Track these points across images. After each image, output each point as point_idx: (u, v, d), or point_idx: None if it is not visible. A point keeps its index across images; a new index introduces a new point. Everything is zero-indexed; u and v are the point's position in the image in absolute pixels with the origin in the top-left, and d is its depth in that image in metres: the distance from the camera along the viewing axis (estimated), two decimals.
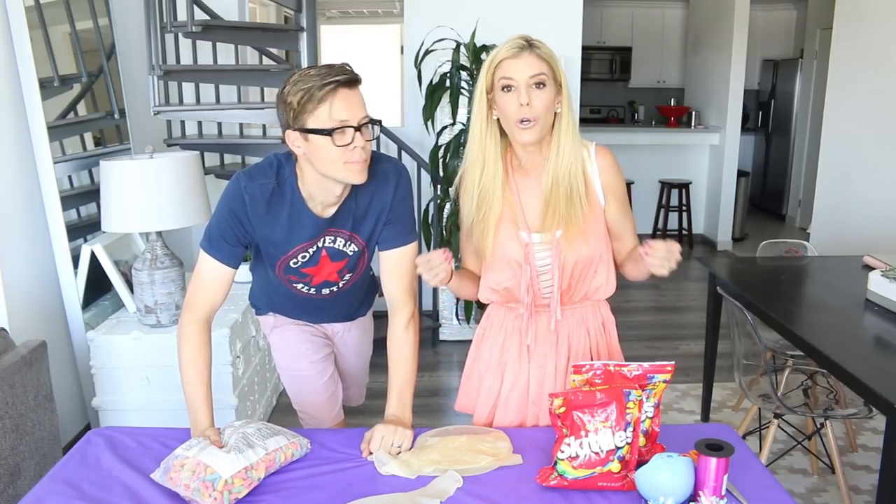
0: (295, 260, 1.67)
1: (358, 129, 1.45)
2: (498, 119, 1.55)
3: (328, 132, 1.43)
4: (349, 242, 1.68)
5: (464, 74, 3.79)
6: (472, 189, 1.59)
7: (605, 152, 1.62)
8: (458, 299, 4.02)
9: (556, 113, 1.53)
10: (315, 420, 1.96)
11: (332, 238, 1.65)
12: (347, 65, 1.48)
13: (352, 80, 1.45)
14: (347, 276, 1.76)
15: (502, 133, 1.57)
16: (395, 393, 1.65)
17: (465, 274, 1.71)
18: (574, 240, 1.56)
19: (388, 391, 1.66)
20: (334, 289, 1.78)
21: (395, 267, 1.69)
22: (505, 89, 1.49)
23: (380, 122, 1.53)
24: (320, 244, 1.66)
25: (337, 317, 1.96)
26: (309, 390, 1.93)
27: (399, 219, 1.68)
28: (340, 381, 2.04)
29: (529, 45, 1.50)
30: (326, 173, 1.50)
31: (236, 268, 1.64)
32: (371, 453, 1.50)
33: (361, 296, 1.95)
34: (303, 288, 1.75)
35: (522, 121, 1.49)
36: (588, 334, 1.69)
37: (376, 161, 1.64)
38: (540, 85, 1.48)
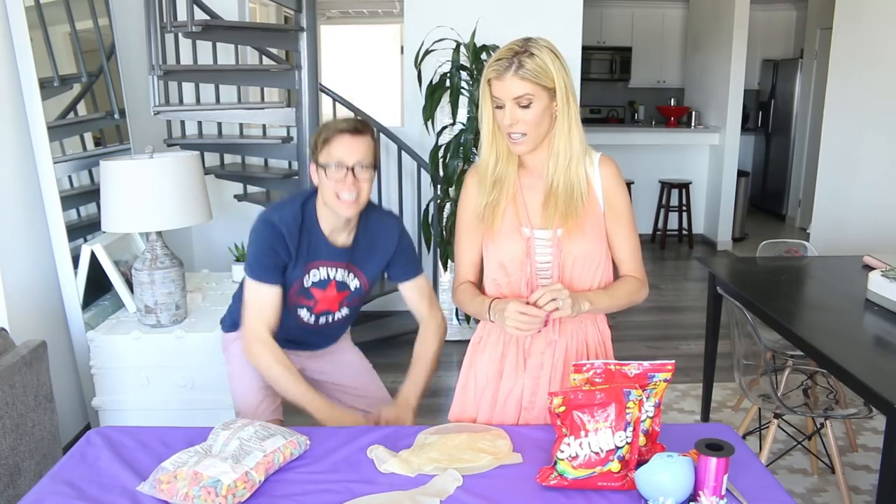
0: (307, 278, 1.85)
1: (351, 168, 1.72)
2: None
3: (325, 167, 1.74)
4: (353, 276, 1.92)
5: (464, 74, 3.79)
6: (486, 177, 1.61)
7: (609, 162, 1.62)
8: None
9: (554, 116, 1.53)
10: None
11: (346, 272, 1.90)
12: (361, 120, 1.80)
13: (355, 130, 1.74)
14: (345, 311, 1.98)
15: None
16: (412, 379, 1.93)
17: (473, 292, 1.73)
18: (573, 232, 1.57)
19: (407, 377, 1.93)
20: (330, 319, 1.96)
21: (415, 293, 1.99)
22: (497, 107, 1.53)
23: (375, 167, 1.79)
24: (332, 273, 1.88)
25: (306, 348, 2.06)
26: (249, 407, 2.00)
27: (407, 253, 1.97)
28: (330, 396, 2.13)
29: (517, 62, 1.46)
30: (327, 202, 1.78)
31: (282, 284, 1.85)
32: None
33: (335, 337, 2.12)
34: (304, 314, 1.92)
35: (510, 136, 1.54)
36: (587, 348, 1.69)
37: (378, 209, 1.96)
38: (525, 105, 1.49)
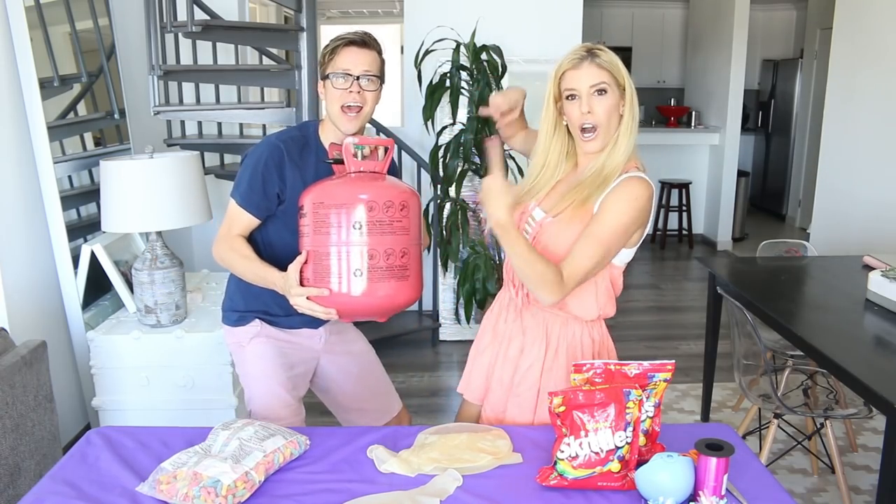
0: None
1: (357, 78, 1.72)
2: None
3: (331, 78, 1.73)
4: None
5: (464, 74, 3.79)
6: (527, 179, 1.72)
7: (627, 183, 1.57)
8: (457, 299, 4.02)
9: (620, 115, 1.59)
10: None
11: None
12: (369, 34, 1.77)
13: (362, 42, 1.74)
14: None
15: (570, 135, 1.67)
16: None
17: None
18: (557, 224, 1.59)
19: None
20: None
21: None
22: (569, 98, 1.59)
23: (380, 78, 1.78)
24: None
25: None
26: (271, 412, 1.88)
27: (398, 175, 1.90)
28: (338, 407, 2.09)
29: (590, 54, 1.56)
30: (331, 116, 1.77)
31: (262, 220, 1.80)
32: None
33: None
34: None
35: (584, 129, 1.58)
36: (546, 344, 1.67)
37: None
38: (601, 92, 1.55)
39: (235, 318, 1.89)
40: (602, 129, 1.57)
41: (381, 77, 1.79)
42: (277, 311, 1.87)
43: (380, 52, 1.79)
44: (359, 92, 1.73)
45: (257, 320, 1.88)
